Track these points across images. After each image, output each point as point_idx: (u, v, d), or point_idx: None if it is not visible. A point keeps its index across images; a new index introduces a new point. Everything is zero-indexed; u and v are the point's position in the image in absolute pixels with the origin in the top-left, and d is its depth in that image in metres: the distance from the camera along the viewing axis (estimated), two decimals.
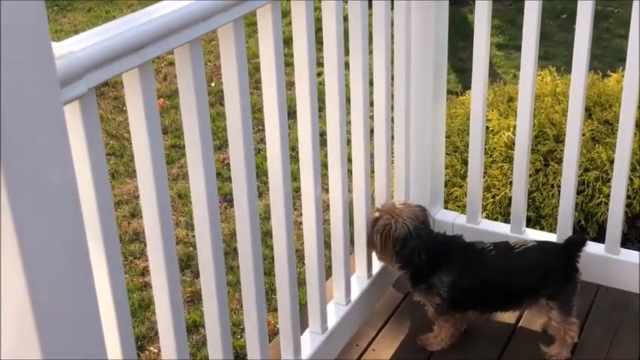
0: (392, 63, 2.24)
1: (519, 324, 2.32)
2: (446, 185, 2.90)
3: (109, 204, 1.32)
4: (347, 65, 2.03)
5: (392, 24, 2.19)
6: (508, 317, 2.33)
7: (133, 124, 1.38)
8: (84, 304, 1.22)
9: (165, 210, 1.45)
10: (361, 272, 2.33)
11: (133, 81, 1.33)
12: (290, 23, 1.81)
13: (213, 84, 4.74)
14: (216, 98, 4.53)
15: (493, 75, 4.66)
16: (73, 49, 1.17)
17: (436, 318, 2.22)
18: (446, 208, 2.81)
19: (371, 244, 2.25)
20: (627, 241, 2.71)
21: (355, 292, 2.27)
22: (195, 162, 1.54)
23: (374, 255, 2.31)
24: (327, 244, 2.13)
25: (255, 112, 3.68)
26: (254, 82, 4.43)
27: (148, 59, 1.31)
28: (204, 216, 1.58)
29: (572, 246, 2.19)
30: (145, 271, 3.23)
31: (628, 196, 2.63)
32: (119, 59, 1.24)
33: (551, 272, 2.17)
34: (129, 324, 1.43)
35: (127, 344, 1.42)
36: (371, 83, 2.16)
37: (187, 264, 3.26)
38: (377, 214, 2.22)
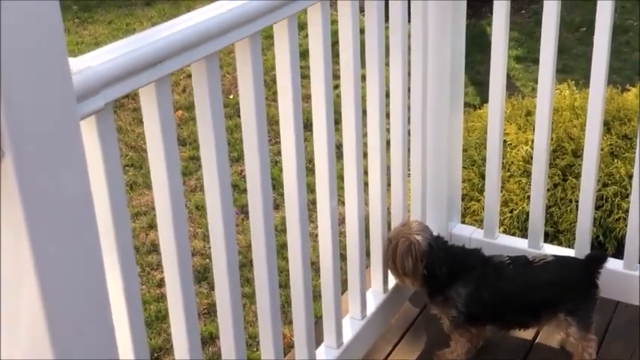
0: (409, 75, 2.23)
1: (537, 340, 2.30)
2: (463, 199, 2.89)
3: (125, 217, 1.32)
4: (363, 78, 2.04)
5: (409, 36, 2.19)
6: (525, 334, 2.31)
7: (149, 138, 1.39)
8: (98, 315, 1.22)
9: (180, 224, 1.46)
10: (377, 286, 2.32)
11: (150, 95, 1.34)
12: (307, 36, 1.82)
13: (231, 96, 4.76)
14: (235, 110, 4.54)
15: (511, 88, 4.65)
16: (91, 64, 1.18)
17: (452, 332, 2.20)
18: (463, 222, 2.80)
19: (401, 271, 2.20)
20: None
21: (371, 307, 2.26)
22: (211, 175, 1.54)
23: (394, 277, 2.30)
24: (343, 257, 2.13)
25: (272, 124, 3.69)
26: (271, 94, 4.44)
27: (165, 74, 1.32)
28: (220, 228, 1.59)
29: (593, 262, 2.18)
30: (161, 283, 3.24)
31: None
32: (136, 74, 1.25)
33: (570, 288, 2.15)
34: (143, 336, 1.43)
35: (141, 356, 1.42)
36: (387, 95, 2.16)
37: (204, 276, 3.27)
38: (392, 243, 2.21)
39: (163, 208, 1.43)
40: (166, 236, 1.46)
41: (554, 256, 2.25)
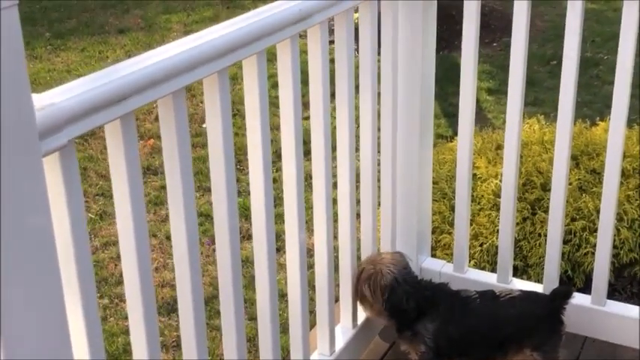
0: (378, 105, 2.25)
1: None
2: (434, 232, 2.89)
3: (87, 254, 1.31)
4: (333, 109, 2.04)
5: (378, 68, 2.21)
6: None
7: (113, 174, 1.38)
8: (58, 350, 1.20)
9: (144, 262, 1.44)
10: (346, 322, 2.31)
11: (115, 131, 1.33)
12: (276, 66, 1.82)
13: (204, 125, 4.75)
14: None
15: (483, 120, 4.69)
16: (55, 100, 1.18)
17: None
18: (435, 255, 2.80)
19: (359, 298, 2.24)
20: (614, 292, 2.70)
21: (340, 343, 2.25)
22: (177, 210, 1.53)
23: (359, 304, 2.29)
24: (312, 287, 2.11)
25: (245, 153, 3.69)
26: (245, 124, 4.44)
27: (130, 110, 1.31)
28: (184, 259, 1.58)
29: (558, 297, 2.19)
30: None
31: (615, 247, 2.62)
32: (101, 111, 1.24)
33: (536, 323, 2.16)
34: None
35: None
36: (357, 126, 2.17)
37: (174, 307, 3.23)
38: (359, 267, 2.22)
39: (127, 243, 1.42)
40: (130, 269, 1.45)
41: (521, 290, 2.25)
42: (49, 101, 1.17)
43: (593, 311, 2.40)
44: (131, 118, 1.34)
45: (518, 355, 2.18)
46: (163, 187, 4.14)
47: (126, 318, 3.19)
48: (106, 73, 1.29)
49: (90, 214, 3.91)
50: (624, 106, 2.17)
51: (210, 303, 3.13)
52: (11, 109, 1.03)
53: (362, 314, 2.34)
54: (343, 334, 2.29)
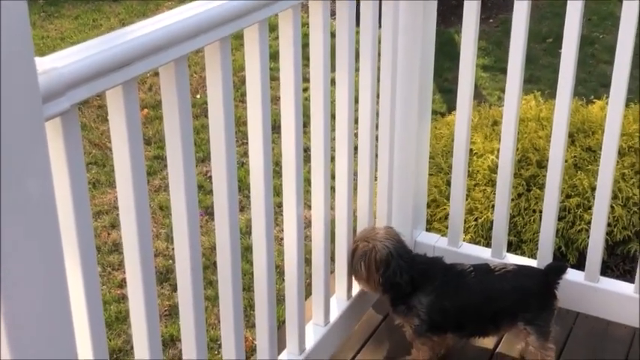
0: (378, 81, 2.24)
1: (497, 349, 2.32)
2: (430, 206, 2.90)
3: (88, 219, 1.30)
4: (333, 82, 2.03)
5: (379, 42, 2.20)
6: (486, 343, 2.32)
7: (114, 140, 1.37)
8: (57, 315, 1.20)
9: (144, 225, 1.44)
10: (341, 293, 2.32)
11: (117, 98, 1.32)
12: (277, 38, 1.81)
13: (198, 96, 4.73)
14: (202, 110, 4.52)
15: (478, 97, 4.69)
16: (57, 65, 1.16)
17: (414, 340, 2.21)
18: (430, 228, 2.81)
19: (355, 275, 2.25)
20: (607, 269, 2.72)
21: (334, 313, 2.26)
22: (177, 177, 1.53)
23: (355, 280, 2.30)
24: (307, 261, 2.12)
25: (240, 125, 3.67)
26: (240, 95, 4.42)
27: (133, 76, 1.30)
28: (184, 229, 1.57)
29: (552, 272, 2.20)
30: (123, 283, 3.20)
31: (609, 224, 2.63)
32: (103, 76, 1.23)
33: (530, 297, 2.17)
34: (103, 336, 1.41)
35: (101, 356, 1.40)
36: (356, 100, 2.16)
37: (166, 277, 3.24)
38: (354, 244, 2.23)
39: (127, 209, 1.41)
40: (129, 237, 1.44)
41: (515, 265, 2.27)
42: (51, 65, 1.16)
43: (586, 287, 2.42)
44: (133, 84, 1.33)
45: (511, 329, 2.20)
46: (156, 157, 4.13)
47: (118, 286, 3.20)
48: (109, 39, 1.27)
49: None
50: (623, 84, 2.17)
51: (202, 273, 3.13)
52: (14, 71, 1.01)
53: (357, 286, 2.35)
54: (338, 305, 2.30)
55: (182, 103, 1.46)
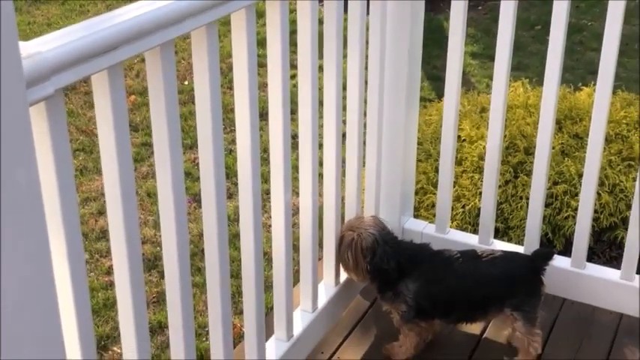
0: (366, 68, 2.23)
1: (484, 335, 2.33)
2: (418, 193, 2.91)
3: (74, 206, 1.30)
4: (321, 69, 2.03)
5: (367, 29, 2.19)
6: (473, 328, 2.34)
7: (100, 125, 1.36)
8: (43, 302, 1.20)
9: (130, 212, 1.43)
10: (329, 279, 2.32)
11: (102, 83, 1.31)
12: (265, 24, 1.80)
13: (186, 82, 4.71)
14: (189, 97, 4.50)
15: (467, 84, 4.69)
16: (41, 49, 1.15)
17: (401, 326, 2.22)
18: (418, 215, 2.82)
19: (343, 265, 2.25)
20: (594, 255, 2.73)
21: (322, 300, 2.27)
22: (163, 163, 1.52)
23: (343, 270, 2.30)
24: (295, 247, 2.12)
25: (228, 112, 3.66)
26: (227, 82, 4.40)
27: (118, 61, 1.29)
28: (171, 216, 1.57)
29: (539, 258, 2.21)
30: (110, 270, 3.20)
31: (595, 211, 2.65)
32: (88, 61, 1.22)
33: (517, 283, 2.18)
34: (90, 324, 1.41)
35: (87, 345, 1.39)
36: (344, 88, 2.16)
37: (154, 264, 3.23)
38: (340, 235, 2.23)
39: (114, 197, 1.41)
40: (116, 223, 1.44)
41: (502, 251, 2.27)
42: (36, 49, 1.14)
43: (572, 274, 2.43)
44: (119, 69, 1.32)
45: (498, 315, 2.21)
46: (144, 144, 4.11)
47: (106, 273, 3.19)
48: (93, 23, 1.26)
49: None
50: (610, 71, 2.17)
51: (190, 260, 3.13)
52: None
53: (345, 273, 2.35)
54: (326, 291, 2.30)
55: (168, 89, 1.45)
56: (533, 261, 2.22)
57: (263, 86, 2.06)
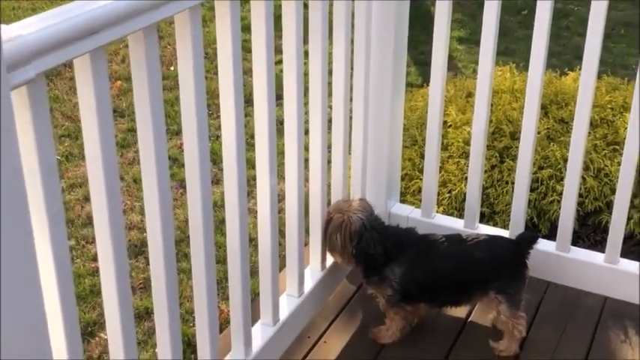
0: (352, 53, 2.23)
1: (469, 319, 2.35)
2: (404, 178, 2.91)
3: (57, 190, 1.29)
4: (306, 54, 2.02)
5: (353, 14, 2.18)
6: (458, 312, 2.35)
7: (83, 110, 1.35)
8: (27, 290, 1.20)
9: (114, 198, 1.43)
10: (315, 264, 2.32)
11: (85, 67, 1.30)
12: (250, 10, 1.79)
13: (172, 68, 4.69)
14: (176, 82, 4.46)
15: (453, 69, 4.69)
16: (22, 32, 1.14)
17: (387, 310, 2.23)
18: (404, 201, 2.82)
19: (329, 246, 2.25)
20: (578, 239, 2.75)
21: (308, 285, 2.27)
22: (147, 150, 1.51)
23: (329, 252, 2.31)
24: (282, 233, 2.12)
25: (215, 97, 3.64)
26: (214, 67, 4.38)
27: (101, 45, 1.28)
28: (155, 202, 1.57)
29: (524, 242, 2.22)
30: (97, 256, 3.18)
31: (580, 195, 2.66)
32: (70, 44, 1.21)
33: (501, 266, 2.19)
34: (74, 310, 1.40)
35: (72, 332, 1.39)
36: (330, 73, 2.15)
37: (141, 250, 3.23)
38: (328, 216, 2.23)
39: (97, 183, 1.40)
40: (100, 209, 1.43)
41: (487, 235, 2.28)
42: (17, 33, 1.14)
43: (557, 257, 2.45)
44: (101, 53, 1.31)
45: (483, 298, 2.23)
46: (130, 130, 4.10)
47: (92, 259, 3.18)
48: (75, 6, 1.25)
49: (56, 156, 3.86)
50: (595, 56, 2.18)
51: (177, 246, 3.12)
52: None
53: (331, 258, 2.35)
54: (312, 276, 2.31)
55: (152, 73, 1.44)
56: (517, 245, 2.23)
57: (249, 72, 2.06)
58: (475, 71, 4.88)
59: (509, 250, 2.21)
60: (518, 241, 2.25)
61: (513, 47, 5.13)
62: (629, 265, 2.41)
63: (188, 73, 1.57)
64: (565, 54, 5.06)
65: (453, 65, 4.86)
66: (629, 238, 2.69)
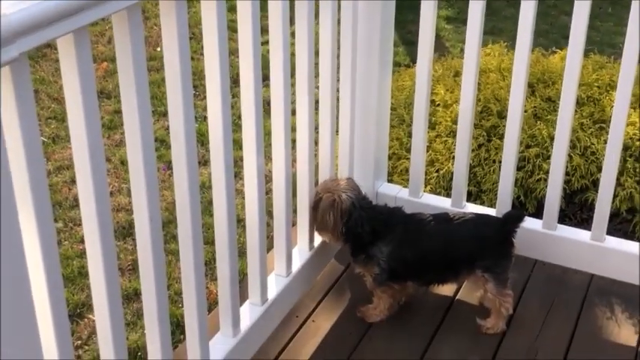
0: (338, 33, 2.22)
1: (457, 297, 2.36)
2: (392, 158, 2.91)
3: (42, 172, 1.29)
4: (293, 35, 2.01)
5: None
6: (446, 290, 2.36)
7: (67, 91, 1.34)
8: (13, 272, 1.20)
9: (100, 180, 1.42)
10: (303, 244, 2.33)
11: (68, 46, 1.29)
12: None
13: (159, 48, 4.66)
14: (162, 63, 4.45)
15: (441, 48, 4.68)
16: (5, 12, 1.13)
17: (374, 289, 2.24)
18: (392, 180, 2.83)
19: (319, 225, 2.25)
20: (565, 217, 2.77)
21: (296, 264, 2.28)
22: (133, 131, 1.51)
23: (317, 231, 2.31)
24: (270, 214, 2.12)
25: (202, 78, 3.63)
26: (201, 48, 4.36)
27: (84, 24, 1.27)
28: (141, 183, 1.56)
29: (510, 220, 2.23)
30: (85, 238, 3.18)
31: (567, 173, 2.67)
32: (53, 24, 1.20)
33: (488, 244, 2.20)
34: (61, 293, 1.40)
35: (59, 312, 1.39)
36: (317, 53, 2.15)
37: (129, 232, 3.22)
38: (316, 196, 2.23)
39: (82, 164, 1.40)
40: (86, 191, 1.43)
41: (474, 214, 2.29)
42: (1, 12, 1.12)
43: (544, 235, 2.46)
44: (85, 32, 1.30)
45: (470, 276, 2.24)
46: (117, 112, 4.08)
47: (80, 241, 3.18)
48: None
49: (43, 138, 3.84)
50: (582, 34, 2.18)
51: (165, 227, 3.12)
52: None
53: (319, 238, 2.36)
54: (300, 256, 2.31)
55: (136, 54, 1.43)
56: (504, 223, 2.24)
57: (235, 52, 2.05)
58: (462, 50, 4.87)
59: (495, 229, 2.22)
60: (504, 219, 2.25)
61: (501, 26, 5.13)
62: (615, 242, 2.42)
63: (173, 54, 1.56)
64: (552, 33, 5.06)
65: (440, 45, 4.85)
66: (615, 215, 2.70)
